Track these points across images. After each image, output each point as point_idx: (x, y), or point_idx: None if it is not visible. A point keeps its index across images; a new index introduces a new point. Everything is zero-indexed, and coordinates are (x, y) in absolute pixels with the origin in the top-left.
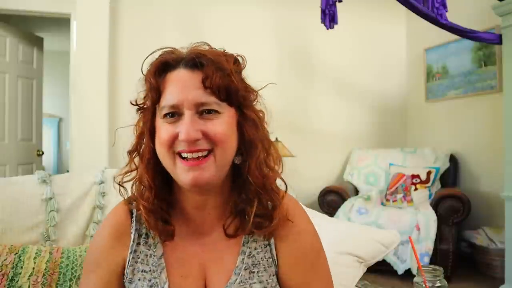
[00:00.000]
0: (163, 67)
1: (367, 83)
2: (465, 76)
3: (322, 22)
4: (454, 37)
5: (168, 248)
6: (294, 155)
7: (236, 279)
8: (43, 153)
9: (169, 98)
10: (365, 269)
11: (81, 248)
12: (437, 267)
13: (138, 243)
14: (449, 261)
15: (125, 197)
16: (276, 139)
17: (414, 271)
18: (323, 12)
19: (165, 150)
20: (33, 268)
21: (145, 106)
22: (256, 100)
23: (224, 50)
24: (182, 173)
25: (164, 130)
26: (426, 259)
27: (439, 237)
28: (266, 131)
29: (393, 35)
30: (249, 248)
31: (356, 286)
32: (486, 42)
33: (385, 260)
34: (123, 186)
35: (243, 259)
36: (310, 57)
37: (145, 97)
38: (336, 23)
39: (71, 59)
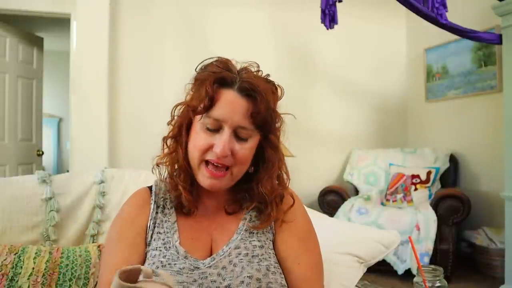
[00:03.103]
0: (220, 81)
1: (367, 83)
2: (465, 76)
3: (322, 22)
4: (454, 37)
5: (181, 217)
6: (294, 155)
7: (238, 237)
8: (43, 153)
9: (217, 113)
10: (365, 269)
11: (81, 248)
12: (437, 267)
13: (157, 212)
14: (449, 261)
15: (158, 177)
16: None
17: (414, 271)
18: (323, 12)
19: (198, 155)
20: (33, 268)
21: (196, 109)
22: (281, 127)
23: (268, 76)
24: (203, 178)
25: (202, 137)
26: (426, 259)
27: (439, 237)
28: (282, 152)
29: (393, 35)
30: (250, 215)
31: (356, 286)
32: (486, 42)
33: (385, 260)
34: (158, 165)
35: (244, 223)
36: (311, 57)
37: (199, 101)
38: (336, 23)
39: (71, 59)
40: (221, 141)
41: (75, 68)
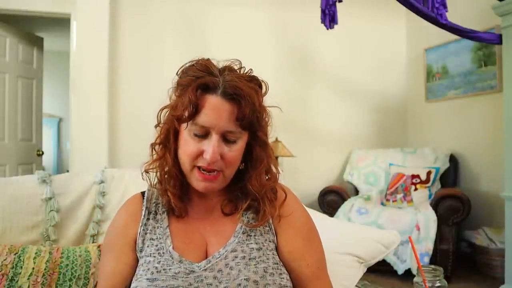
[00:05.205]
0: (203, 87)
1: (367, 83)
2: (465, 76)
3: (322, 22)
4: (454, 37)
5: (173, 221)
6: (294, 155)
7: (235, 240)
8: (43, 153)
9: (203, 120)
10: (365, 269)
11: (81, 248)
12: (437, 267)
13: (148, 219)
14: (449, 261)
15: (148, 183)
16: (276, 139)
17: (414, 271)
18: (323, 12)
19: (189, 161)
20: (33, 268)
21: (181, 117)
22: (269, 123)
23: (250, 71)
24: (196, 182)
25: (191, 144)
26: (426, 259)
27: (439, 237)
28: (271, 149)
29: (393, 35)
30: (247, 218)
31: (356, 286)
32: (486, 42)
33: (385, 260)
34: (147, 172)
35: (241, 226)
36: (311, 57)
37: (184, 109)
38: (336, 23)
39: (71, 59)
40: (210, 148)
41: (75, 68)
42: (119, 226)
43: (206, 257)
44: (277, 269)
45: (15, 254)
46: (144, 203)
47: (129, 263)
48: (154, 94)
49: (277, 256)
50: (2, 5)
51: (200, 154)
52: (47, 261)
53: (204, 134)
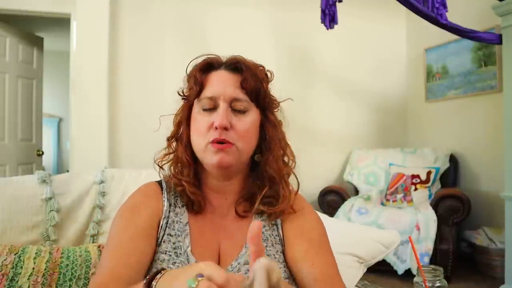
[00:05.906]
0: (207, 66)
1: (367, 83)
2: (465, 76)
3: (322, 22)
4: (454, 37)
5: (192, 218)
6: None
7: (247, 251)
8: (43, 153)
9: (209, 91)
10: (365, 269)
11: (81, 248)
12: (437, 267)
13: (169, 211)
14: (449, 261)
15: (162, 177)
16: None
17: (414, 271)
18: (323, 12)
19: (201, 137)
20: (33, 268)
21: (188, 97)
22: (277, 109)
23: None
24: (210, 156)
25: (201, 120)
26: (426, 259)
27: (439, 237)
28: (283, 133)
29: (393, 35)
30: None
31: (356, 286)
32: (486, 42)
33: (385, 260)
34: (161, 167)
35: None
36: (311, 57)
37: (189, 89)
38: (336, 23)
39: (71, 59)
40: (219, 115)
41: (75, 68)
42: (142, 204)
43: (219, 264)
44: (288, 284)
45: (15, 254)
46: (164, 194)
47: (154, 249)
48: (154, 94)
49: (288, 270)
50: (2, 5)
51: (210, 126)
52: (47, 261)
53: (212, 107)
